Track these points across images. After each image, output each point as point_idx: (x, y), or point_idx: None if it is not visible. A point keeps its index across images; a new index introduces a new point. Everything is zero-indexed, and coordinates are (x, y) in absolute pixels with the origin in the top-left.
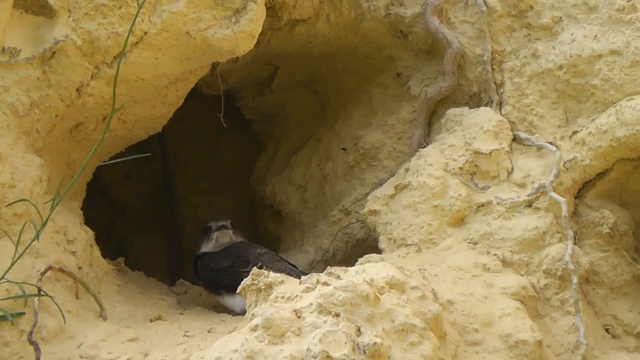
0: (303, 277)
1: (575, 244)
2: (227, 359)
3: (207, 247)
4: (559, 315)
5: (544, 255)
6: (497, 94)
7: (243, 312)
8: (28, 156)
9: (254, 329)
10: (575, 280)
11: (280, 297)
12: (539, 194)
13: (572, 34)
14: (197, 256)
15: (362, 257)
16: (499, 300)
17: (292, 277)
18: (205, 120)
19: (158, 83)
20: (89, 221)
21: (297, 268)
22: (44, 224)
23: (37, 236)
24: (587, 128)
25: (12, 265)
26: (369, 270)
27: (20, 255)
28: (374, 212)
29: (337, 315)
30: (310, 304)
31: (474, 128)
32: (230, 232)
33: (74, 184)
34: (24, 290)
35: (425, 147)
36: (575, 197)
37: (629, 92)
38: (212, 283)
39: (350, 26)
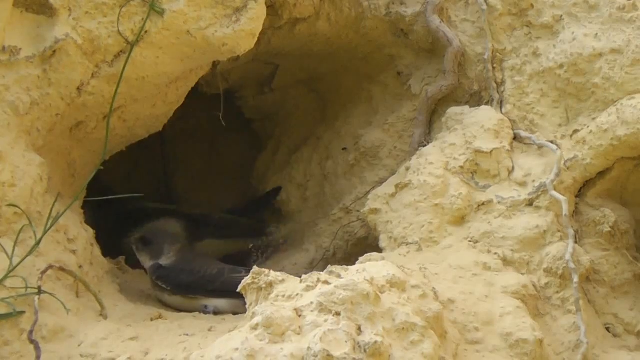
0: (304, 276)
1: (576, 242)
2: (228, 357)
3: None
4: (560, 314)
5: (544, 254)
6: (498, 92)
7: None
8: (28, 155)
9: (255, 327)
10: (576, 279)
11: (281, 295)
12: (539, 193)
13: (573, 33)
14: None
15: (362, 255)
16: (500, 299)
17: (292, 276)
18: (205, 119)
19: (158, 82)
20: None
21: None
22: (46, 230)
23: (39, 238)
24: (587, 127)
25: (15, 266)
26: (369, 269)
27: (25, 258)
28: (375, 211)
29: (338, 314)
30: (311, 302)
31: (475, 127)
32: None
33: (76, 185)
34: (25, 287)
35: (425, 145)
36: (576, 196)
37: (629, 91)
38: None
39: (350, 25)
